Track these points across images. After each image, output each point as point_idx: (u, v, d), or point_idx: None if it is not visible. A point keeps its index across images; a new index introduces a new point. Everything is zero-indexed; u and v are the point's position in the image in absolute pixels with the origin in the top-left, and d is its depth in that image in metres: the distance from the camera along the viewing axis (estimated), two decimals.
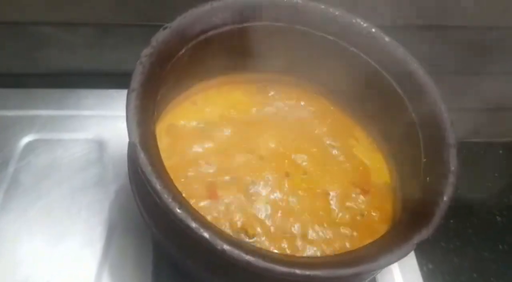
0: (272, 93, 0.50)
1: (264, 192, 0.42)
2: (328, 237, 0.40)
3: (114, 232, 0.49)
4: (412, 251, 0.53)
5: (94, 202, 0.51)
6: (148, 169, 0.33)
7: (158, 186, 0.32)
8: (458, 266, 0.64)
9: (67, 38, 0.56)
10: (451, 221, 0.68)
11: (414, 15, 0.57)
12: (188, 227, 0.31)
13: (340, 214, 0.42)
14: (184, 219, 0.31)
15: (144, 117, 0.36)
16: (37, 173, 0.52)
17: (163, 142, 0.42)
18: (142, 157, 0.33)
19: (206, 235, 0.31)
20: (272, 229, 0.40)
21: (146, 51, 0.38)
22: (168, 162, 0.36)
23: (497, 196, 0.72)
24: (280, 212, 0.41)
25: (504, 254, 0.65)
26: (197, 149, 0.44)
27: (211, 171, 0.43)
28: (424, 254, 0.60)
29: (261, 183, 0.43)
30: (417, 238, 0.34)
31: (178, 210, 0.32)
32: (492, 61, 0.65)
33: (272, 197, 0.42)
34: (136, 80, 0.37)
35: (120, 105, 0.56)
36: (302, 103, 0.50)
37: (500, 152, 0.77)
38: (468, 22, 0.61)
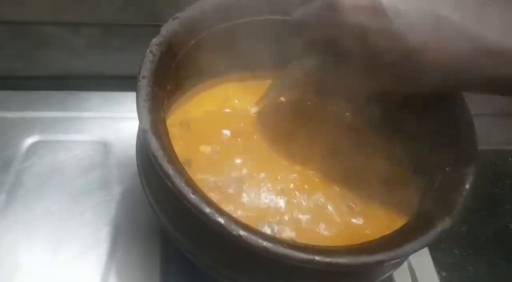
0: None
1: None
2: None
3: (120, 234, 0.47)
4: (429, 255, 0.53)
5: (98, 204, 0.49)
6: (160, 153, 0.31)
7: (170, 171, 0.31)
8: (472, 274, 0.62)
9: (70, 39, 0.55)
10: (463, 228, 0.66)
11: None
12: (202, 212, 0.30)
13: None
14: (198, 204, 0.30)
15: (155, 104, 0.35)
16: (40, 174, 0.50)
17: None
18: (153, 142, 0.32)
19: (221, 220, 0.30)
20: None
21: (156, 40, 0.38)
22: None
23: (509, 203, 0.70)
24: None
25: None
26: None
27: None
28: (437, 261, 0.58)
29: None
30: (441, 226, 0.33)
31: (192, 195, 0.30)
32: None
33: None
34: (147, 68, 0.36)
35: (125, 108, 0.56)
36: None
37: (510, 159, 0.76)
38: None
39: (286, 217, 0.39)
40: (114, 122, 0.55)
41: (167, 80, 0.38)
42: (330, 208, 0.40)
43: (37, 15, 0.52)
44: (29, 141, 0.53)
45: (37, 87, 0.56)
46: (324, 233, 0.39)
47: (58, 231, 0.47)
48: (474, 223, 0.67)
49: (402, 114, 0.43)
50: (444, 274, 0.61)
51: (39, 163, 0.51)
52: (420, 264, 0.51)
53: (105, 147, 0.53)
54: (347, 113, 0.48)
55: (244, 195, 0.40)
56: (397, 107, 0.43)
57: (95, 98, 0.57)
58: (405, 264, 0.49)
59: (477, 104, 0.64)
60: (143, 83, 0.35)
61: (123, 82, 0.55)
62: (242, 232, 0.30)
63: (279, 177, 0.42)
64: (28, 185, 0.50)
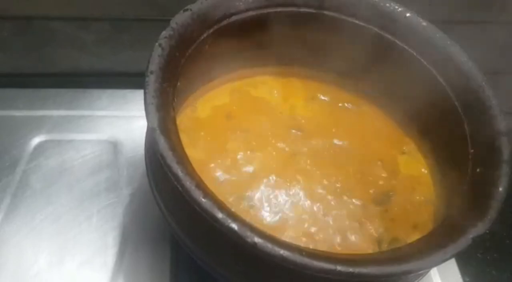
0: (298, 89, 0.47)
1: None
2: None
3: (129, 238, 0.45)
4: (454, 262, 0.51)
5: (107, 207, 0.47)
6: (168, 154, 0.29)
7: (180, 173, 0.29)
8: (497, 279, 0.60)
9: (78, 35, 0.53)
10: (487, 231, 0.64)
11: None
12: (214, 217, 0.28)
13: None
14: (209, 208, 0.28)
15: (164, 102, 0.32)
16: (47, 175, 0.49)
17: None
18: (162, 141, 0.30)
19: (234, 226, 0.27)
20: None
21: (165, 33, 0.35)
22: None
23: None
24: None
25: None
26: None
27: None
28: (460, 266, 0.56)
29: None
30: (472, 232, 0.30)
31: (203, 199, 0.28)
32: None
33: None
34: (155, 63, 0.34)
35: (135, 106, 0.54)
36: (322, 97, 0.47)
37: None
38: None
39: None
40: (124, 121, 0.53)
41: (177, 75, 0.36)
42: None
43: (44, 10, 0.50)
44: (37, 140, 0.51)
45: (44, 85, 0.55)
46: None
47: (65, 235, 0.45)
48: (498, 225, 0.64)
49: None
50: (467, 279, 0.58)
51: (46, 163, 0.49)
52: (445, 272, 0.48)
53: (114, 147, 0.52)
54: None
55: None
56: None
57: (105, 96, 0.55)
58: (430, 272, 0.47)
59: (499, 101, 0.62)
60: (151, 79, 0.33)
61: (133, 79, 0.53)
62: (257, 239, 0.27)
63: None
64: (35, 186, 0.48)
